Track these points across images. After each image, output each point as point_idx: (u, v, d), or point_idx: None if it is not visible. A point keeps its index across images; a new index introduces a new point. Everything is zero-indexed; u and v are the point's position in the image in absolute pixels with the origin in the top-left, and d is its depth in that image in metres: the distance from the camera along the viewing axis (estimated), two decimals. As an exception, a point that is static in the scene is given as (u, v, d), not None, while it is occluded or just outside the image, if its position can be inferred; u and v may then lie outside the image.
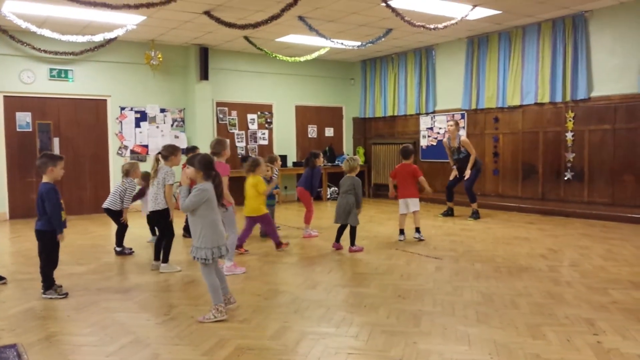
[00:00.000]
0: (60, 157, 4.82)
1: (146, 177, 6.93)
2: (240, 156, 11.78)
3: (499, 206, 10.16)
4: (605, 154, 8.68)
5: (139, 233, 7.53)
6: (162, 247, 5.73)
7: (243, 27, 8.42)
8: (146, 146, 10.95)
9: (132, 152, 10.79)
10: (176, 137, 11.20)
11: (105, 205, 6.72)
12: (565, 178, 9.18)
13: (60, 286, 4.81)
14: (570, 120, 9.08)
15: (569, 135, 9.10)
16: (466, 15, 8.52)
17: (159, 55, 10.63)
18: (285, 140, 12.59)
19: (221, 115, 11.75)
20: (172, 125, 11.24)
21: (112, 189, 6.97)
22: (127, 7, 7.17)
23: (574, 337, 3.57)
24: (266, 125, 12.38)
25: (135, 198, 7.03)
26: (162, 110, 11.13)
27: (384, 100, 12.70)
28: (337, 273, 5.58)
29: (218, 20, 8.41)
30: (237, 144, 11.97)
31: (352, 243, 6.56)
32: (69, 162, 8.99)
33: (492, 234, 7.71)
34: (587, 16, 8.76)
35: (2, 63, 9.53)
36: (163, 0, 7.30)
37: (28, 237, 7.52)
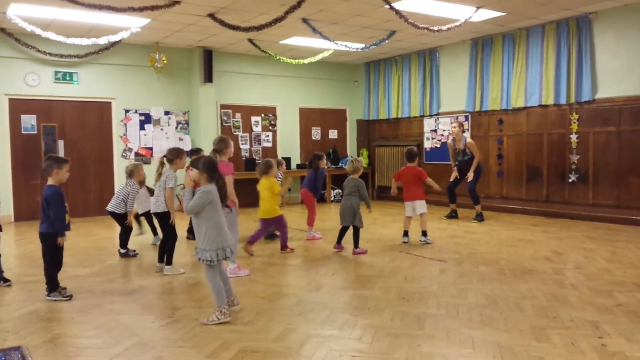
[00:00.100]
0: (65, 159, 4.83)
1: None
2: (244, 158, 11.82)
3: (503, 208, 10.14)
4: (610, 156, 8.65)
5: (144, 235, 7.54)
6: (165, 250, 5.74)
7: (247, 29, 8.44)
8: (150, 148, 10.98)
9: (137, 154, 10.82)
10: (180, 139, 11.23)
11: (109, 208, 6.74)
12: (570, 180, 9.16)
13: (65, 288, 4.83)
14: (574, 122, 9.06)
15: (574, 137, 9.08)
16: (470, 17, 8.51)
17: (164, 58, 10.66)
18: (289, 143, 12.61)
19: (225, 118, 11.77)
20: (176, 128, 11.27)
21: (116, 191, 6.99)
22: (132, 10, 7.21)
23: (578, 340, 3.56)
24: (270, 128, 12.40)
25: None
26: (167, 113, 11.16)
27: (387, 103, 12.70)
28: (340, 275, 5.57)
29: (222, 23, 8.43)
30: (241, 146, 11.99)
31: (356, 245, 6.55)
32: (74, 164, 9.03)
33: (496, 236, 7.70)
34: (591, 18, 8.75)
35: (7, 66, 9.57)
36: (167, 3, 7.33)
37: (33, 239, 7.53)
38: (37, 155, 9.82)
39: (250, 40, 10.31)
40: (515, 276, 5.33)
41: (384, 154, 12.85)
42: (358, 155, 13.22)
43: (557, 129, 9.36)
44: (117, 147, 10.67)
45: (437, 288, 4.94)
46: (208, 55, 11.01)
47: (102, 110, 10.56)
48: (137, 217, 7.22)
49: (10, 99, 9.65)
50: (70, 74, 10.13)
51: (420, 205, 7.17)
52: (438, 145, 11.51)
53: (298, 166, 12.32)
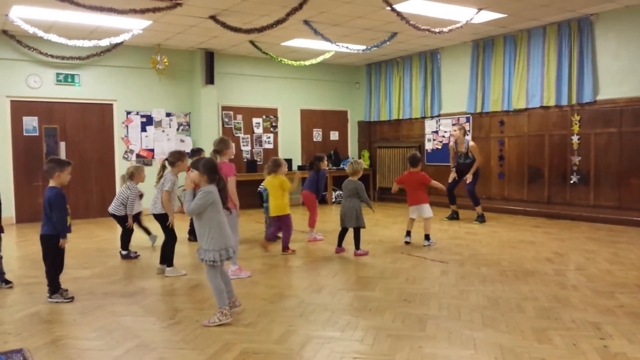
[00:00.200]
0: (67, 162, 4.83)
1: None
2: (245, 160, 11.83)
3: (505, 209, 10.13)
4: (611, 157, 8.65)
5: (145, 237, 7.55)
6: (165, 251, 5.75)
7: (248, 31, 8.45)
8: (152, 150, 11.00)
9: (138, 156, 10.83)
10: (182, 141, 11.25)
11: (110, 209, 6.78)
12: (571, 181, 9.15)
13: (66, 290, 4.83)
14: (576, 124, 9.05)
15: (575, 138, 9.08)
16: (471, 19, 8.52)
17: (165, 60, 10.68)
18: (290, 144, 12.61)
19: (226, 119, 11.78)
20: (177, 130, 11.28)
21: (117, 193, 7.00)
22: (134, 12, 7.22)
23: (580, 342, 3.56)
24: (271, 129, 12.40)
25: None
26: (168, 115, 11.17)
27: (389, 104, 12.70)
28: (342, 277, 5.57)
29: (224, 25, 8.44)
30: (243, 148, 12.00)
31: (357, 247, 6.55)
32: (75, 166, 8.99)
33: (498, 237, 7.69)
34: (592, 19, 8.74)
35: (9, 68, 9.59)
36: (169, 5, 7.34)
37: (34, 241, 7.50)
38: (39, 157, 9.84)
39: (252, 42, 10.32)
40: (516, 277, 5.33)
41: (385, 156, 12.84)
42: (359, 157, 13.22)
43: (558, 130, 9.35)
44: (119, 148, 10.69)
45: (438, 289, 4.94)
46: (209, 57, 11.03)
47: (103, 112, 10.57)
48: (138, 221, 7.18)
49: (12, 101, 9.67)
50: (72, 75, 10.15)
51: (426, 209, 7.16)
52: (439, 147, 11.51)
53: (299, 168, 12.32)
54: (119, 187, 7.29)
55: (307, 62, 11.18)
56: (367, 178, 12.68)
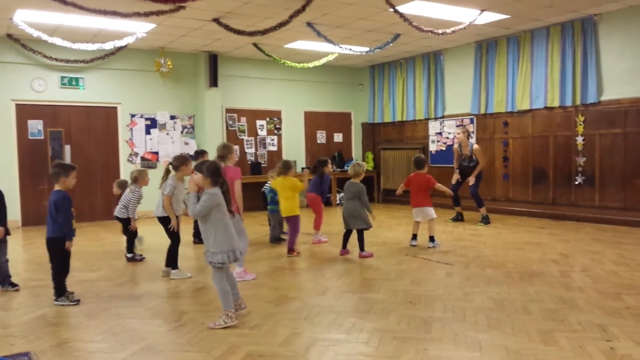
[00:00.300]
0: (72, 166, 4.85)
1: (122, 185, 7.13)
2: (249, 162, 11.84)
3: (510, 211, 10.11)
4: (616, 158, 8.62)
5: (151, 240, 7.57)
6: (170, 253, 5.77)
7: (252, 33, 8.47)
8: (156, 153, 11.02)
9: (143, 159, 10.86)
10: (186, 143, 11.27)
11: (115, 212, 6.82)
12: (576, 182, 9.12)
13: (72, 293, 4.85)
14: (580, 124, 9.03)
15: (580, 139, 9.05)
16: (474, 20, 8.51)
17: (169, 63, 10.71)
18: (294, 146, 12.62)
19: (230, 122, 11.80)
20: (182, 132, 11.31)
21: (122, 196, 7.02)
22: (137, 15, 7.23)
23: (586, 343, 3.54)
24: (275, 131, 12.42)
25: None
26: (172, 117, 11.20)
27: (392, 106, 12.70)
28: (347, 279, 5.57)
29: (227, 28, 8.46)
30: (247, 150, 12.02)
31: (362, 249, 6.55)
32: (80, 169, 9.02)
33: (503, 239, 7.67)
34: (596, 20, 8.73)
35: (14, 71, 9.64)
36: (173, 8, 7.36)
37: (40, 244, 7.54)
38: (44, 160, 9.88)
39: (255, 45, 10.34)
40: (522, 279, 5.32)
41: (390, 157, 12.82)
42: (363, 159, 13.22)
43: (562, 131, 9.33)
44: (123, 151, 10.72)
45: (443, 291, 4.93)
46: (213, 60, 11.05)
47: (108, 115, 10.60)
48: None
49: (17, 105, 9.72)
50: (77, 79, 10.19)
51: (429, 212, 7.16)
52: (443, 148, 11.50)
53: (303, 170, 12.31)
54: (113, 191, 7.32)
55: (311, 64, 11.18)
56: (372, 180, 12.68)
